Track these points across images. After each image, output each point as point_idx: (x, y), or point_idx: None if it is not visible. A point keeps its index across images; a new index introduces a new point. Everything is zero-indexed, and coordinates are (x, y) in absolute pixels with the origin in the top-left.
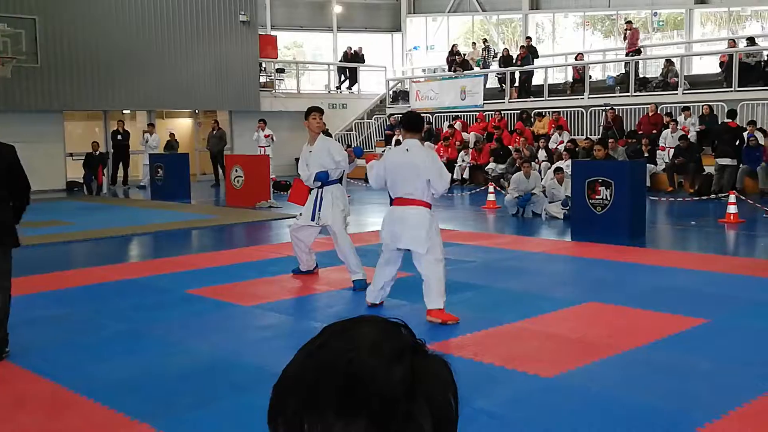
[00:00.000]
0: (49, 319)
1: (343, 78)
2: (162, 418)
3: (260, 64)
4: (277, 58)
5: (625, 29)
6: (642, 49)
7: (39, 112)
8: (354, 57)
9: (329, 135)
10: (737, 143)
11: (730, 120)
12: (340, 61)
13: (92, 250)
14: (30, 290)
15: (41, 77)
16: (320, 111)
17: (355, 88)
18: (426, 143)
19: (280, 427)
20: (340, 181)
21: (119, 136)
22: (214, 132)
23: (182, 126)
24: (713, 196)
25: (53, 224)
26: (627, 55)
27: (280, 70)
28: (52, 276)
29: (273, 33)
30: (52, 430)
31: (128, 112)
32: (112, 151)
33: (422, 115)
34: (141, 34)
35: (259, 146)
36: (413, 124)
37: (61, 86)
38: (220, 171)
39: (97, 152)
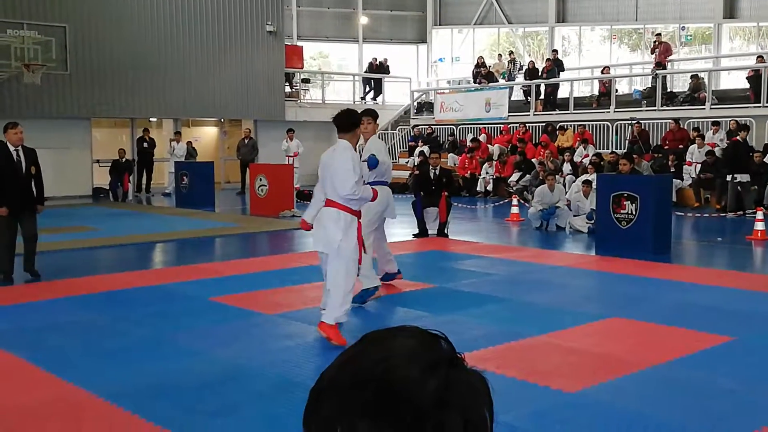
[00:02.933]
0: (74, 324)
1: (368, 89)
2: (184, 425)
3: (286, 74)
4: (302, 68)
5: (654, 42)
6: (669, 63)
7: (67, 119)
8: (379, 68)
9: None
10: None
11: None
12: (366, 71)
13: (117, 256)
14: (55, 295)
15: (70, 84)
16: (369, 115)
17: (379, 98)
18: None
19: (314, 429)
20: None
21: (145, 144)
22: (246, 141)
23: (207, 134)
24: (740, 212)
25: (79, 230)
26: (655, 68)
27: (306, 80)
28: (77, 281)
29: (299, 43)
30: None
31: (154, 120)
32: (137, 158)
33: (353, 111)
34: (169, 44)
35: (288, 156)
36: (341, 122)
37: (90, 93)
38: (248, 180)
39: (124, 159)
